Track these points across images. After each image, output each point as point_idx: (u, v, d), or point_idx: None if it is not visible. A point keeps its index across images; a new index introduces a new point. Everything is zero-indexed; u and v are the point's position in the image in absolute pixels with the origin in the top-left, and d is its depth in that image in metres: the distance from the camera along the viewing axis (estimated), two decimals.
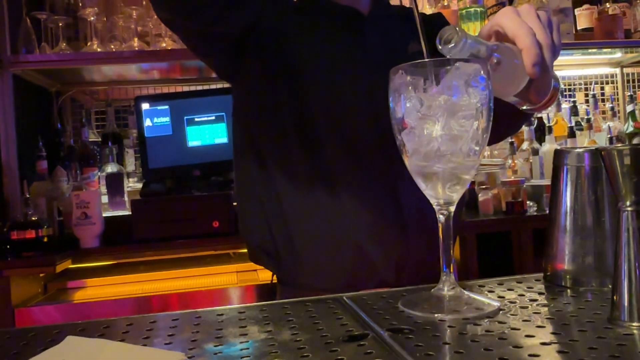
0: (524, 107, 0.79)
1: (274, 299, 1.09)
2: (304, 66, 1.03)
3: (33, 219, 1.89)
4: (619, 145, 0.60)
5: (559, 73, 2.93)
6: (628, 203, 0.56)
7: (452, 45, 0.68)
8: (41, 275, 1.93)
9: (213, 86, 2.58)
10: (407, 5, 1.28)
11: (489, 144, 1.18)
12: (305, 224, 1.00)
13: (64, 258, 1.88)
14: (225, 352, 0.55)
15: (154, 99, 2.31)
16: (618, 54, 2.91)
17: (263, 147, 1.06)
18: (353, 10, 1.07)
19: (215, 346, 0.57)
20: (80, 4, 2.29)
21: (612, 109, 2.83)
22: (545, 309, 0.64)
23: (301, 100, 1.02)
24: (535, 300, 0.68)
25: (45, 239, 1.87)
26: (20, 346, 0.60)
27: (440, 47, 0.69)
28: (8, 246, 1.82)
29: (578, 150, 0.73)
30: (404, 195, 0.99)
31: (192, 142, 2.25)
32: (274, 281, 1.13)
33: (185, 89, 2.63)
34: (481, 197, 2.17)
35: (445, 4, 2.52)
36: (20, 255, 1.82)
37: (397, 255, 1.00)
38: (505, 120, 0.91)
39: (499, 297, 0.70)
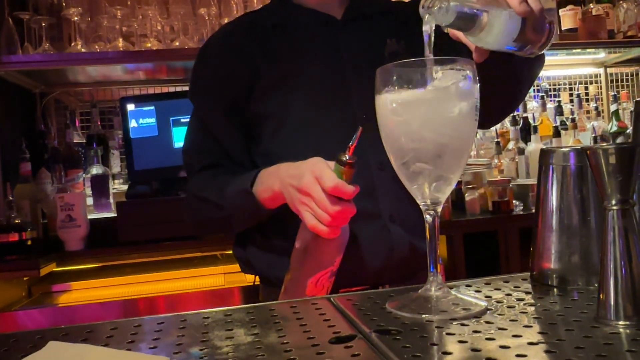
0: (527, 52, 0.78)
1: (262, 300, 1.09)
2: (273, 72, 1.05)
3: (16, 221, 1.86)
4: (604, 144, 0.60)
5: (543, 73, 2.96)
6: (613, 202, 0.56)
7: (436, 9, 0.67)
8: (25, 278, 1.91)
9: None
10: None
11: (498, 120, 1.19)
12: (283, 222, 1.00)
13: (48, 261, 1.85)
14: (210, 356, 0.55)
15: (140, 99, 2.28)
16: (602, 54, 2.95)
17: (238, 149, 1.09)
18: (326, 17, 1.08)
19: (200, 350, 0.56)
20: (64, 4, 2.25)
21: (596, 108, 2.85)
22: (532, 308, 0.64)
23: (279, 105, 1.04)
24: (522, 299, 0.68)
25: (29, 242, 1.85)
26: (1, 352, 0.59)
27: (423, 11, 0.68)
28: None
29: (563, 149, 0.73)
30: (381, 195, 1.01)
31: (179, 143, 2.23)
32: (256, 283, 1.13)
33: (171, 89, 2.60)
34: (468, 196, 2.18)
35: None
36: (4, 258, 1.79)
37: (377, 255, 1.00)
38: (511, 86, 0.92)
39: (486, 296, 0.70)
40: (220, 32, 1.16)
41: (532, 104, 2.83)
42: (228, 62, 1.09)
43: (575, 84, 3.05)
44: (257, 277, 1.13)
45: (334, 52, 1.07)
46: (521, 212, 2.15)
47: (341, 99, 1.03)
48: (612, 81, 3.12)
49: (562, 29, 2.67)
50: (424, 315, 0.63)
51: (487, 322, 0.60)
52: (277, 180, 0.93)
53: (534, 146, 2.45)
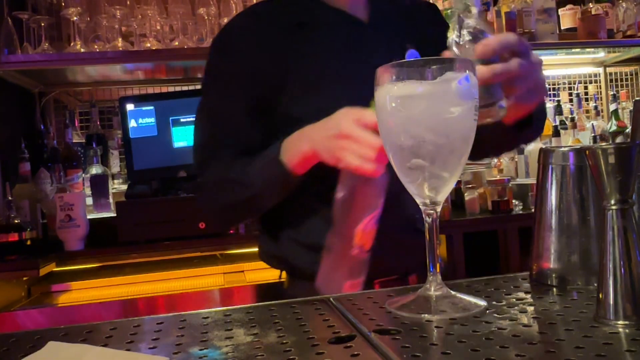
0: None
1: (262, 300, 1.09)
2: (305, 74, 1.04)
3: (16, 221, 1.86)
4: (604, 144, 0.60)
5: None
6: (613, 202, 0.56)
7: (468, 19, 0.69)
8: (25, 278, 1.90)
9: (198, 86, 2.55)
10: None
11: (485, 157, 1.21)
12: (295, 222, 1.00)
13: (47, 261, 1.85)
14: (210, 356, 0.54)
15: (139, 99, 2.29)
16: (601, 54, 2.95)
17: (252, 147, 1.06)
18: (354, 18, 1.07)
19: (200, 350, 0.56)
20: (63, 4, 2.25)
21: (596, 108, 2.86)
22: (532, 308, 0.64)
23: (307, 108, 1.02)
24: (522, 299, 0.68)
25: (29, 242, 1.85)
26: (0, 352, 0.59)
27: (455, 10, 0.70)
28: None
29: (563, 149, 0.73)
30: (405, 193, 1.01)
31: (178, 143, 2.23)
32: (282, 278, 1.13)
33: (171, 89, 2.60)
34: (467, 196, 2.18)
35: (431, 2, 2.53)
36: (3, 258, 1.79)
37: (407, 248, 1.01)
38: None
39: (486, 296, 0.70)
40: (240, 22, 1.11)
41: None
42: (254, 57, 1.05)
43: (574, 84, 3.05)
44: (282, 272, 1.12)
45: (362, 55, 1.05)
46: (520, 212, 2.16)
47: (364, 101, 1.02)
48: (611, 80, 3.12)
49: (562, 28, 2.67)
50: (423, 315, 0.63)
51: (486, 322, 0.60)
52: (306, 141, 0.93)
53: (534, 146, 2.45)
